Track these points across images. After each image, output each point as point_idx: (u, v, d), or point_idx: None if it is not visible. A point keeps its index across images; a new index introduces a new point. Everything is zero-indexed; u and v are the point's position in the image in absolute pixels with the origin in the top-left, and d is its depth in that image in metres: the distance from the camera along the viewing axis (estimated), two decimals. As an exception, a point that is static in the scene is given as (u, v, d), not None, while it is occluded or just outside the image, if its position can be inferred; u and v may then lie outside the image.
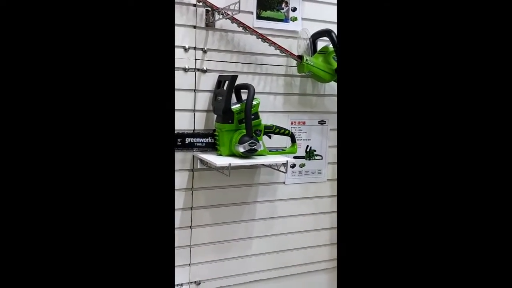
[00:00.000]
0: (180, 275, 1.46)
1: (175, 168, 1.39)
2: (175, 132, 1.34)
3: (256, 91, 1.34)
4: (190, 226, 1.45)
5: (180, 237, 1.44)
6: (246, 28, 1.36)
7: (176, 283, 1.45)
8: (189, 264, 1.47)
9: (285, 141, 1.53)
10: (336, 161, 1.60)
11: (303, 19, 1.53)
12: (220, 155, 1.37)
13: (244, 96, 1.37)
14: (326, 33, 1.46)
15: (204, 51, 1.38)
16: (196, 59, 1.37)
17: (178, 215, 1.42)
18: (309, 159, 1.63)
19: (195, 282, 1.48)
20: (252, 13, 1.44)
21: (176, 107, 1.35)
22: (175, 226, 1.42)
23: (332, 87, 1.61)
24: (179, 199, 1.42)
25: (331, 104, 1.63)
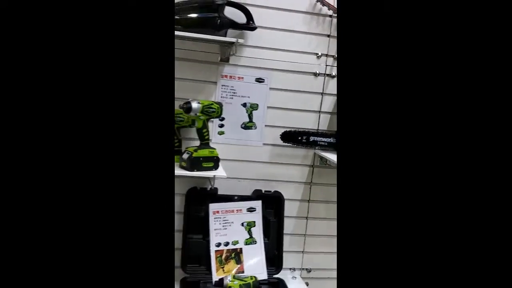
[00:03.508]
0: (294, 260, 1.60)
1: (297, 163, 1.53)
2: (301, 130, 1.47)
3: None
4: (306, 217, 1.58)
5: (296, 225, 1.58)
6: (377, 37, 1.41)
7: (289, 266, 1.59)
8: (303, 252, 1.60)
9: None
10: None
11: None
12: (341, 155, 1.45)
13: (369, 102, 1.42)
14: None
15: (335, 58, 1.48)
16: (326, 65, 1.48)
17: (296, 205, 1.56)
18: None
19: (306, 269, 1.61)
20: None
21: (303, 108, 1.50)
22: (293, 215, 1.57)
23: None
24: (298, 191, 1.56)
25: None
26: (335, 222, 1.60)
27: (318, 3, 1.41)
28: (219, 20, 1.28)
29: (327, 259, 1.62)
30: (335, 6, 1.40)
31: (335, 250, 1.62)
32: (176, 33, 1.21)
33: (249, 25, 1.35)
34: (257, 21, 1.36)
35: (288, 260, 1.56)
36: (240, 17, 1.34)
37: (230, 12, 1.31)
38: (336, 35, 1.46)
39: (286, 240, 1.55)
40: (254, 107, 1.47)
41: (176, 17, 1.23)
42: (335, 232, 1.61)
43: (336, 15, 1.42)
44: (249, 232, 1.48)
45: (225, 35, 1.31)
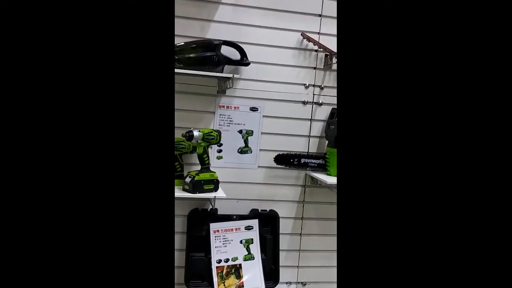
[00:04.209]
0: (289, 275, 1.70)
1: (290, 183, 1.66)
2: (293, 153, 1.60)
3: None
4: (300, 234, 1.70)
5: (291, 242, 1.69)
6: (359, 68, 1.56)
7: (285, 281, 1.70)
8: (297, 266, 1.71)
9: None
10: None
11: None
12: (330, 175, 1.59)
13: (353, 126, 1.57)
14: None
15: (321, 88, 1.64)
16: (314, 94, 1.63)
17: (290, 223, 1.68)
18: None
19: (301, 282, 1.72)
20: (365, 54, 1.64)
21: (293, 133, 1.64)
22: (288, 232, 1.68)
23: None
24: (292, 210, 1.68)
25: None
26: (327, 238, 1.73)
27: (305, 40, 1.57)
28: (216, 58, 1.43)
29: (320, 273, 1.73)
30: (320, 42, 1.56)
31: (328, 264, 1.75)
32: (179, 70, 1.36)
33: (243, 61, 1.51)
34: (250, 57, 1.52)
35: (284, 274, 1.67)
36: (235, 54, 1.50)
37: (226, 50, 1.47)
38: (321, 67, 1.62)
39: (282, 255, 1.66)
40: (249, 133, 1.61)
41: (179, 57, 1.38)
42: (327, 247, 1.73)
43: (321, 49, 1.58)
44: (248, 249, 1.60)
45: (222, 71, 1.46)
